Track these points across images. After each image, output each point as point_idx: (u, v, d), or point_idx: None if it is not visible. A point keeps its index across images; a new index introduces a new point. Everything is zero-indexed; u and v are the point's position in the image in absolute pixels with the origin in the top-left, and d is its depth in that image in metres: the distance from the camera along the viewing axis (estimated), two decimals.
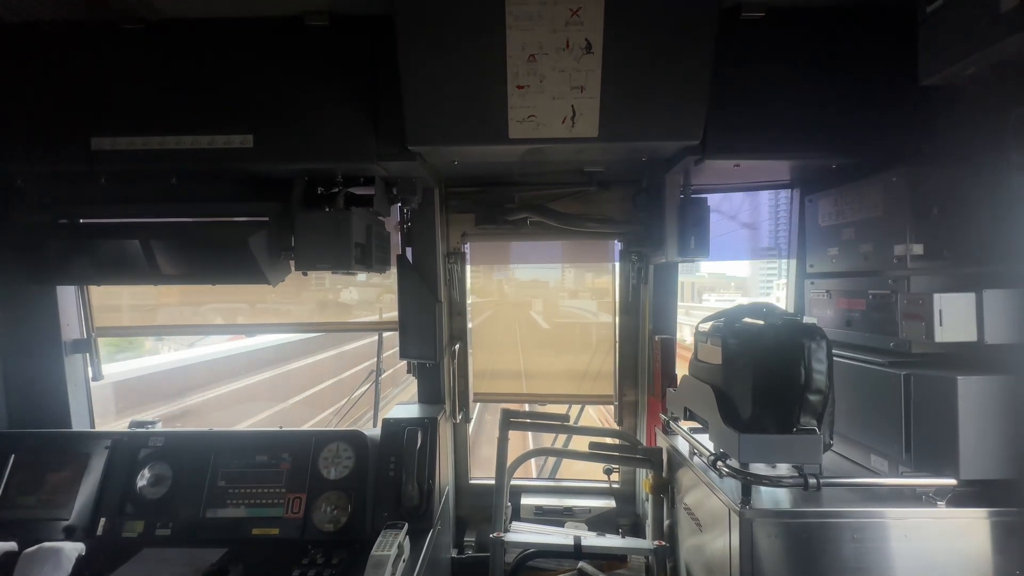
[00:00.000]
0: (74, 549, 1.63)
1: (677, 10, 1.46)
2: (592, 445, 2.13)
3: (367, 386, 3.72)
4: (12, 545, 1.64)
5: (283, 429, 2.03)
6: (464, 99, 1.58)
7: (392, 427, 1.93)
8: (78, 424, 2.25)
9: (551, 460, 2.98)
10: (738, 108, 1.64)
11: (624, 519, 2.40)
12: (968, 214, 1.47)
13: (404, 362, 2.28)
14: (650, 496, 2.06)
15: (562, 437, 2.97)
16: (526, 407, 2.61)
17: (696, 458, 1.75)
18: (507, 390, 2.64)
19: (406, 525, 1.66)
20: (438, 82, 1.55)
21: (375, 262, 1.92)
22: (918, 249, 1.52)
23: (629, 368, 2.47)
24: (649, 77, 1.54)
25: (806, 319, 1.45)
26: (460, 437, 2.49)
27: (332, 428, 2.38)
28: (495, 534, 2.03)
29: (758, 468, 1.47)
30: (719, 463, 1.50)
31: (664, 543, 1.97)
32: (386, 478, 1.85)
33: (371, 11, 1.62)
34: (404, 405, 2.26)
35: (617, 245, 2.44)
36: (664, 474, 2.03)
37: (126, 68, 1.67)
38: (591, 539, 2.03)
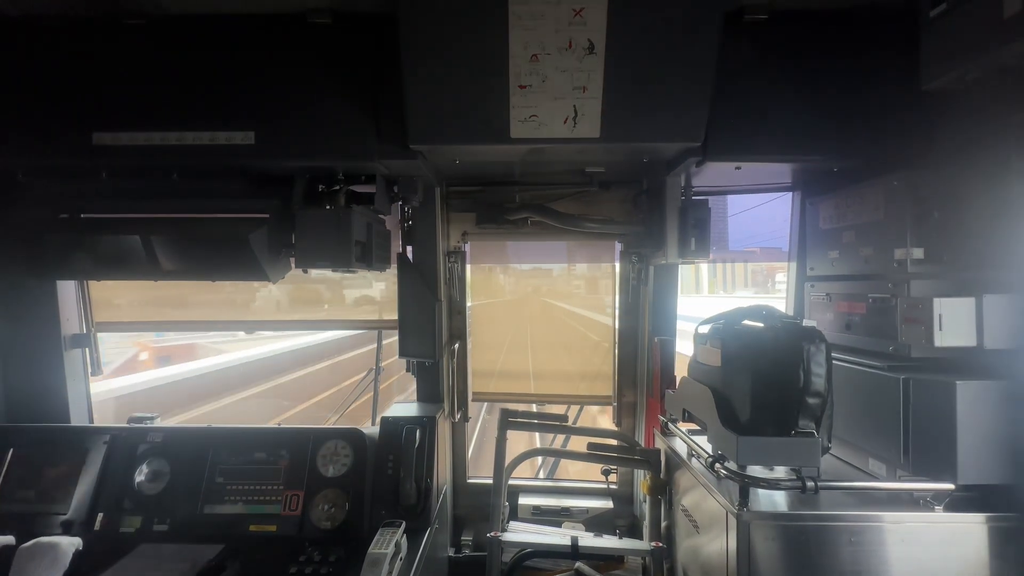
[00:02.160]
0: (71, 544, 1.63)
1: (680, 11, 1.46)
2: (590, 446, 2.13)
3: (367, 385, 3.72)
4: (10, 539, 1.64)
5: (281, 426, 2.03)
6: (466, 98, 1.58)
7: (390, 425, 1.93)
8: (77, 419, 2.25)
9: (549, 460, 2.99)
10: (740, 110, 1.64)
11: (621, 520, 2.40)
12: (969, 219, 1.47)
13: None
14: (648, 497, 2.06)
15: (561, 437, 2.98)
16: (533, 407, 2.61)
17: (694, 460, 1.75)
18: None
19: (403, 523, 1.66)
20: (440, 81, 1.55)
21: (375, 260, 1.92)
22: (918, 253, 1.52)
23: (628, 369, 2.47)
24: (651, 78, 1.54)
25: (806, 322, 1.45)
26: (459, 436, 2.49)
27: (330, 426, 2.38)
28: (492, 533, 2.03)
29: (756, 470, 1.47)
30: (717, 465, 1.50)
31: (661, 544, 1.97)
32: (384, 476, 1.85)
33: (374, 9, 1.61)
34: (403, 404, 2.26)
35: (617, 246, 2.44)
36: (662, 475, 2.03)
37: (128, 63, 1.67)
38: (588, 539, 2.03)
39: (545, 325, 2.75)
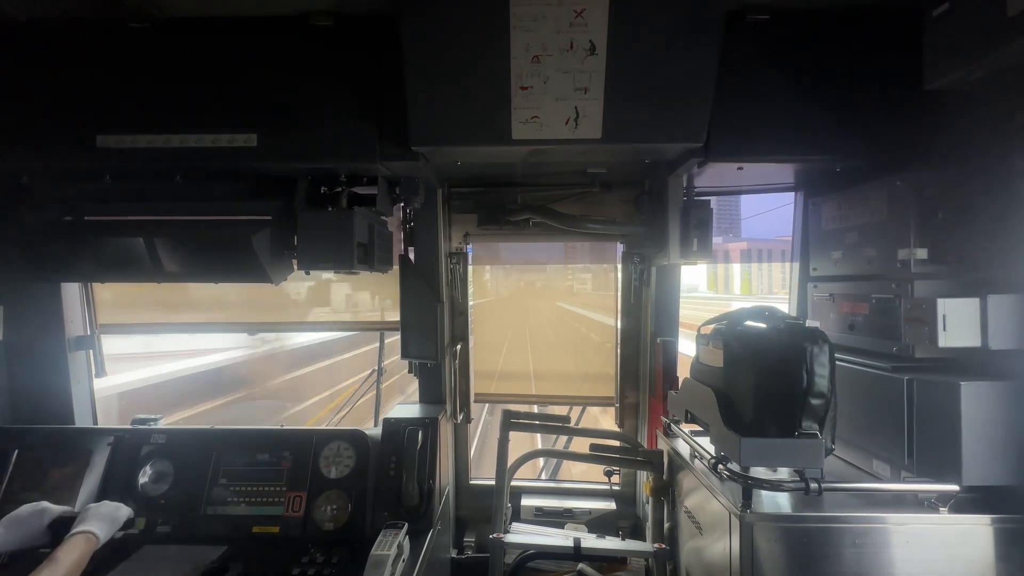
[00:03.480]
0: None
1: (682, 12, 1.46)
2: (593, 447, 2.12)
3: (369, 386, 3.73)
4: (69, 508, 1.63)
5: (284, 428, 2.03)
6: (467, 100, 1.58)
7: (393, 427, 1.93)
8: (81, 420, 2.26)
9: (552, 461, 2.98)
10: (742, 111, 1.63)
11: (624, 521, 2.39)
12: (973, 219, 1.46)
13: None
14: (650, 498, 2.06)
15: (563, 438, 2.98)
16: (535, 408, 2.60)
17: (697, 461, 1.74)
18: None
19: (406, 525, 1.66)
20: (442, 82, 1.55)
21: (377, 262, 1.92)
22: (922, 253, 1.51)
23: (630, 370, 2.46)
24: (653, 79, 1.53)
25: (808, 323, 1.45)
26: (461, 437, 2.49)
27: (333, 427, 2.39)
28: (495, 535, 2.03)
29: (759, 472, 1.46)
30: (720, 466, 1.49)
31: (664, 546, 1.97)
32: (386, 478, 1.85)
33: (376, 11, 1.62)
34: (405, 405, 2.27)
35: (619, 247, 2.44)
36: (665, 477, 2.03)
37: (132, 66, 1.68)
38: (591, 541, 2.02)
39: (546, 325, 2.75)
